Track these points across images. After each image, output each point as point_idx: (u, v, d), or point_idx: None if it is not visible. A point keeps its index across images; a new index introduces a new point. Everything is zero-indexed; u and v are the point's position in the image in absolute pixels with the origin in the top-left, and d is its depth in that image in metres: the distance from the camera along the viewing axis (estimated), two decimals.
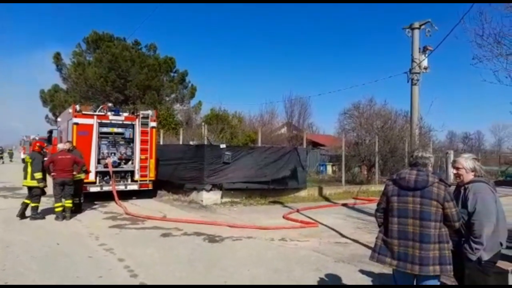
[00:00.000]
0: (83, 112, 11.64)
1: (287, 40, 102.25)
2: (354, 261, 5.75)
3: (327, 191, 14.35)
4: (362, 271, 5.26)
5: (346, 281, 4.92)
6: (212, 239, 7.18)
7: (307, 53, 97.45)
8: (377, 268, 5.08)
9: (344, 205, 11.98)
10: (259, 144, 15.34)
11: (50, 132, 17.77)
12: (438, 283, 3.05)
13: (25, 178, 8.99)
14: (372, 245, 3.32)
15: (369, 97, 23.02)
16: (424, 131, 19.60)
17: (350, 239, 7.34)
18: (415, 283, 3.07)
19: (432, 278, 2.98)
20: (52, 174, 9.02)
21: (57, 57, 28.03)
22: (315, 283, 4.85)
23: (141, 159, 12.27)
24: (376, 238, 3.26)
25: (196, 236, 7.42)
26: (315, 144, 28.79)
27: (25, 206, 8.89)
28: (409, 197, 3.04)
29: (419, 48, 18.09)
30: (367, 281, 4.96)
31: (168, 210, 10.46)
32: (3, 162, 36.76)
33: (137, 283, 4.75)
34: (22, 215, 8.82)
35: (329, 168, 24.56)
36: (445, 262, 2.93)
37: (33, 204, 8.86)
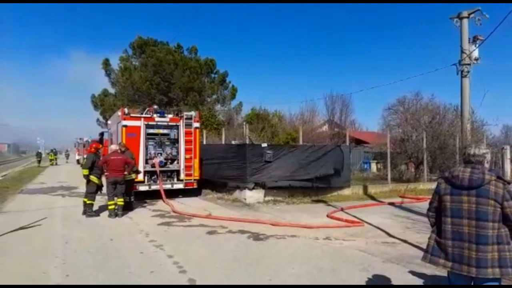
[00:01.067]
0: (131, 115, 12.19)
1: (326, 36, 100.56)
2: (403, 262, 5.55)
3: (372, 189, 13.98)
4: (413, 272, 5.05)
5: (395, 282, 4.75)
6: (256, 237, 7.25)
7: (348, 49, 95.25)
8: (429, 270, 4.87)
9: (391, 204, 11.60)
10: (300, 142, 15.25)
11: (102, 134, 18.87)
12: (498, 284, 2.88)
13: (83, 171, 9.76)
14: (423, 246, 3.21)
15: (415, 91, 22.16)
16: (476, 125, 18.54)
17: (398, 239, 7.09)
18: (472, 284, 2.92)
19: (491, 280, 2.82)
20: (105, 173, 9.60)
21: (106, 63, 29.59)
22: (363, 283, 4.74)
23: (185, 158, 12.65)
24: (429, 238, 3.13)
25: (240, 233, 7.53)
26: (358, 142, 28.13)
27: (84, 204, 9.61)
28: (463, 196, 2.89)
29: (469, 39, 17.11)
30: (419, 282, 4.76)
31: (213, 208, 10.69)
32: (56, 164, 39.01)
33: (186, 279, 4.91)
34: (84, 212, 9.52)
35: (374, 166, 23.91)
36: (506, 265, 2.76)
37: (88, 202, 9.47)
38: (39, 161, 37.26)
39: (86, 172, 9.56)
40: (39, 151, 46.30)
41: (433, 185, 14.85)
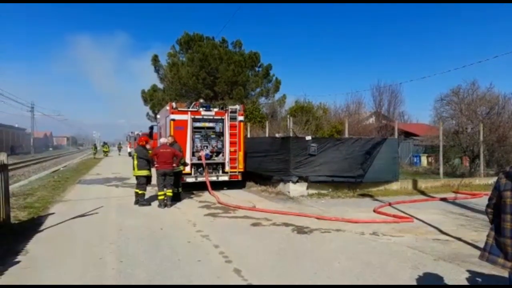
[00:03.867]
0: (179, 109, 12.60)
1: (373, 25, 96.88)
2: (457, 260, 5.24)
3: (422, 184, 13.37)
4: (469, 271, 4.77)
5: (448, 281, 4.52)
6: (300, 230, 7.23)
7: (396, 38, 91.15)
8: (485, 269, 4.59)
9: (443, 199, 11.03)
10: (346, 135, 14.90)
11: (151, 128, 19.75)
12: None
13: (133, 169, 10.24)
14: (479, 245, 3.05)
15: (470, 80, 20.78)
16: None
17: (451, 236, 6.72)
18: None
19: None
20: (156, 165, 10.04)
21: (155, 59, 30.66)
22: (413, 282, 4.55)
23: (230, 151, 12.88)
24: (487, 236, 2.95)
25: (284, 226, 7.55)
26: (407, 134, 26.98)
27: (136, 194, 10.11)
28: None
29: None
30: (474, 282, 4.48)
31: (257, 201, 10.80)
32: (106, 155, 41.19)
33: (231, 269, 5.01)
34: (136, 202, 10.02)
35: (424, 160, 22.89)
36: None
37: (140, 192, 9.97)
38: (94, 153, 39.74)
39: (139, 173, 10.05)
40: (95, 144, 49.40)
41: (490, 181, 13.94)
